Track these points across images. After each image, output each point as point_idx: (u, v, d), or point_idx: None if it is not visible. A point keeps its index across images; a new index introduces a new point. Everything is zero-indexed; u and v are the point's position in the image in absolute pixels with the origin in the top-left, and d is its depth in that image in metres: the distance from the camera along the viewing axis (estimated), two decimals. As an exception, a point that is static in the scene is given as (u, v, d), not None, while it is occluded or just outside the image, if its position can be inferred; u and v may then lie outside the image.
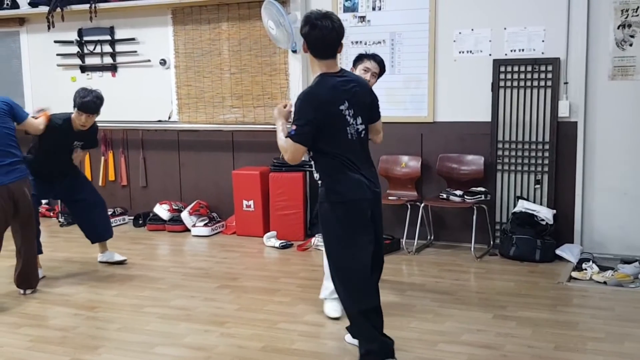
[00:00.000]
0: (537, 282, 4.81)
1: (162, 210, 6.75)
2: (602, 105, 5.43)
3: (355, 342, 3.54)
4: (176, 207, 6.80)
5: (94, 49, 7.24)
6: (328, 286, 4.08)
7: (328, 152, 3.30)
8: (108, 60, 7.19)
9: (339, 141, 3.30)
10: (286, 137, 3.29)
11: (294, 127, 3.25)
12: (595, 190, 5.52)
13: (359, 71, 4.29)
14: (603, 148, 5.46)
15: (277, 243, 5.98)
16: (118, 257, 5.54)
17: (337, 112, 3.27)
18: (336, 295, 3.85)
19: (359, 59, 4.39)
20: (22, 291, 4.75)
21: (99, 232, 5.50)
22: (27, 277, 4.75)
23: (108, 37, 7.14)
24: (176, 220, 6.68)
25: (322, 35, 3.23)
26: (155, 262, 5.63)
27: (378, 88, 5.96)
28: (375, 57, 4.39)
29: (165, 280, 5.05)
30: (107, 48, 7.18)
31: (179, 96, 6.96)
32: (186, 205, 6.76)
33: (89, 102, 5.00)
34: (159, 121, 6.97)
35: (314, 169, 3.44)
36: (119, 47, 7.13)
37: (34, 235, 4.82)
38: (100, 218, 5.51)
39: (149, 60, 6.96)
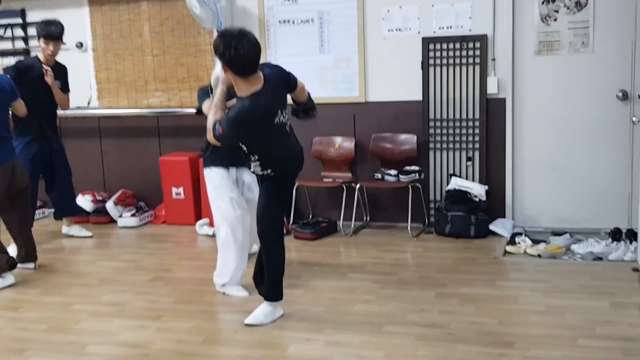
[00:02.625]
0: (474, 258, 4.85)
1: (84, 202, 6.41)
2: (529, 81, 5.50)
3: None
4: (100, 198, 6.48)
5: (4, 33, 6.80)
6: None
7: (266, 151, 3.58)
8: (20, 44, 6.76)
9: (276, 142, 3.58)
10: (212, 127, 3.45)
11: (220, 130, 3.42)
12: (524, 165, 5.60)
13: None
14: (531, 123, 5.54)
15: (211, 231, 5.78)
16: (85, 232, 5.84)
17: (273, 126, 3.51)
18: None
19: None
20: (32, 265, 4.92)
21: (69, 207, 5.82)
22: (33, 249, 4.95)
23: (19, 20, 6.72)
24: (100, 211, 6.37)
25: (242, 54, 3.32)
26: (81, 256, 5.35)
27: (309, 69, 5.98)
28: None
29: (93, 275, 4.79)
30: (19, 32, 6.76)
31: (98, 80, 6.64)
32: (110, 195, 6.46)
33: (53, 28, 5.34)
34: (78, 107, 6.60)
35: (260, 167, 3.62)
36: (32, 31, 6.65)
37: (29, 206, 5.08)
38: (72, 191, 5.79)
39: (64, 44, 6.56)
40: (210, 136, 3.50)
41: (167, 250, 5.46)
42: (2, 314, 4.09)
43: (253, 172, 3.72)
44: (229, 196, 4.24)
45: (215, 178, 4.31)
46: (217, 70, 3.85)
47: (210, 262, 5.02)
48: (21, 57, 6.38)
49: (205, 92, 4.29)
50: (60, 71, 5.60)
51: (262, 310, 3.76)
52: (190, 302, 4.18)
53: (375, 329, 3.61)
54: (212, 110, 3.53)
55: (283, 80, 3.65)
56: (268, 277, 3.77)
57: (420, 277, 4.48)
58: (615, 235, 4.85)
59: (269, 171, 3.62)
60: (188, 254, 5.33)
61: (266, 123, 3.48)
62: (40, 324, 3.88)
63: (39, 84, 5.34)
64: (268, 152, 3.59)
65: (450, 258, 4.86)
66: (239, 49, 3.30)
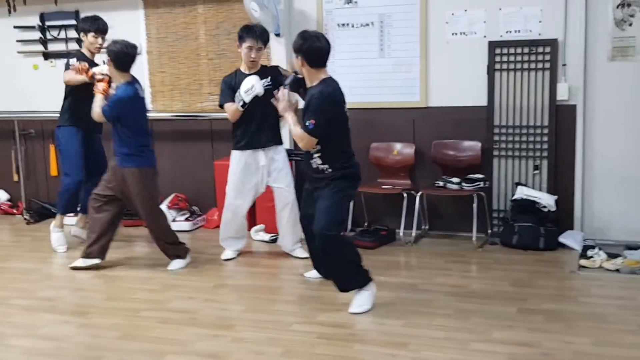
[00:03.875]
0: (548, 271, 4.65)
1: (137, 205, 6.34)
2: (601, 88, 5.30)
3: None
4: (153, 201, 6.40)
5: (58, 35, 6.77)
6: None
7: (338, 144, 3.97)
8: (74, 46, 6.70)
9: (347, 133, 4.03)
10: (302, 128, 3.88)
11: (312, 122, 3.83)
12: (594, 174, 5.39)
13: (244, 50, 4.84)
14: (603, 131, 5.34)
15: (267, 237, 5.67)
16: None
17: (344, 112, 3.98)
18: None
19: (241, 37, 4.86)
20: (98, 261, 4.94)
21: None
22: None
23: (73, 22, 6.68)
24: (153, 215, 6.29)
25: (321, 49, 3.93)
26: (140, 260, 5.24)
27: (367, 72, 5.85)
28: (254, 32, 4.83)
29: (156, 280, 4.69)
30: (72, 33, 6.71)
31: (152, 84, 6.57)
32: (163, 199, 6.37)
33: (102, 22, 5.52)
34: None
35: (320, 159, 3.94)
36: (86, 32, 6.65)
37: None
38: None
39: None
40: (305, 142, 3.88)
41: (225, 256, 5.34)
42: (70, 320, 4.01)
43: (315, 170, 3.98)
44: (234, 182, 4.98)
45: (232, 161, 5.02)
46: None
47: (270, 268, 4.95)
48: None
49: (228, 87, 4.85)
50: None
51: (361, 297, 3.96)
52: (260, 311, 4.05)
53: (461, 346, 3.44)
54: (294, 127, 3.95)
55: None
56: (350, 273, 3.95)
57: (497, 290, 4.29)
58: (696, 250, 4.63)
59: (327, 167, 3.92)
60: (247, 261, 5.19)
61: (341, 104, 3.96)
62: (112, 331, 3.78)
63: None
64: (335, 143, 3.92)
65: (523, 271, 4.67)
66: (315, 42, 3.91)
